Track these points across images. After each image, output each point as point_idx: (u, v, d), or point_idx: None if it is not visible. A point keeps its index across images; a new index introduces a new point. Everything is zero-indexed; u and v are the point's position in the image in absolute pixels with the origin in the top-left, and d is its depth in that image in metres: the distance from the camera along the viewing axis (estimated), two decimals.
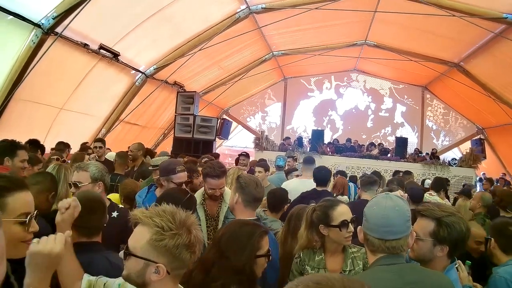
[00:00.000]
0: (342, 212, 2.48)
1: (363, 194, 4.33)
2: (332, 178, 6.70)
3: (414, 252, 1.98)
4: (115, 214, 2.92)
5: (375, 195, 4.03)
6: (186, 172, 3.52)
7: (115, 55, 8.33)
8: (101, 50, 7.92)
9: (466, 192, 6.88)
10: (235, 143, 18.89)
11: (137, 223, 1.43)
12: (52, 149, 7.03)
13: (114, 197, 4.16)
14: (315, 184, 4.70)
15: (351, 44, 13.41)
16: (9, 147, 3.55)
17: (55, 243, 1.48)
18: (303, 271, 2.53)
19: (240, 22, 9.71)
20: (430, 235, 1.91)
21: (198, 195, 3.51)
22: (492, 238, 2.79)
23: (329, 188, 5.14)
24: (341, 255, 2.52)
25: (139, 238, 1.39)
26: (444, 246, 1.89)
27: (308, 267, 2.51)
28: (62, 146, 6.88)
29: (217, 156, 9.61)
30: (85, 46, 7.51)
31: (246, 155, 7.92)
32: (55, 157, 5.65)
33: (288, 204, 4.10)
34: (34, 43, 6.37)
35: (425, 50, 12.53)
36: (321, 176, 4.68)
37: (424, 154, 13.12)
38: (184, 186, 3.45)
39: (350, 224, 2.43)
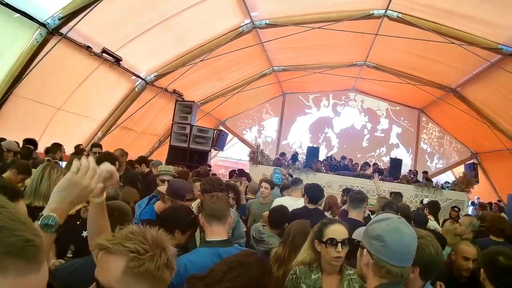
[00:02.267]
0: (334, 230, 2.48)
1: (351, 212, 4.11)
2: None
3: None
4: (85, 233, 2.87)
5: (364, 213, 4.09)
6: (192, 201, 3.57)
7: (117, 60, 8.40)
8: (104, 54, 7.98)
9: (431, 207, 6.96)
10: (229, 155, 18.91)
11: (103, 253, 1.26)
12: (46, 148, 7.04)
13: None
14: (307, 202, 4.69)
15: (351, 64, 13.57)
16: None
17: (91, 179, 1.43)
18: None
19: (243, 36, 9.83)
20: None
21: (194, 206, 3.56)
22: (481, 268, 2.69)
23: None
24: (338, 277, 2.49)
25: (113, 270, 1.22)
26: (414, 267, 1.85)
27: (303, 285, 2.48)
28: (55, 147, 6.86)
29: (209, 167, 9.69)
30: (88, 48, 7.58)
31: (241, 174, 7.96)
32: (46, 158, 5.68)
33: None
34: (38, 42, 6.44)
35: (423, 74, 12.73)
36: (313, 194, 4.68)
37: (421, 178, 13.16)
38: None
39: (339, 244, 2.41)
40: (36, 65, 6.61)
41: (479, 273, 2.71)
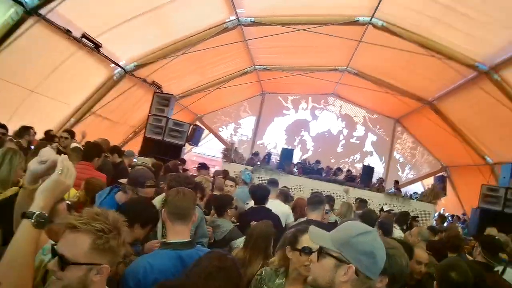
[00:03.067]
0: (306, 239, 2.39)
1: (311, 214, 4.22)
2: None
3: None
4: None
5: (322, 214, 4.14)
6: (154, 189, 3.45)
7: (97, 46, 8.14)
8: (83, 39, 7.72)
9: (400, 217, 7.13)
10: (204, 151, 18.74)
11: (69, 231, 1.43)
12: (14, 132, 6.75)
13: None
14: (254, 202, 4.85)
15: (333, 68, 13.65)
16: None
17: (71, 179, 1.59)
18: None
19: (227, 32, 9.75)
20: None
21: (157, 201, 3.46)
22: (435, 280, 2.67)
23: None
24: (302, 286, 2.42)
25: (79, 245, 1.40)
26: (383, 276, 1.81)
27: (265, 287, 2.44)
28: (23, 130, 6.58)
29: (183, 161, 9.55)
30: (68, 32, 7.30)
31: (202, 167, 8.03)
32: (7, 138, 5.44)
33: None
34: (13, 20, 6.16)
35: (402, 84, 12.93)
36: (258, 194, 4.82)
37: (392, 187, 13.34)
38: None
39: (314, 253, 2.30)
40: (10, 44, 6.34)
41: (431, 281, 2.72)
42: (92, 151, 4.95)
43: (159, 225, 3.20)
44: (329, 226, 3.50)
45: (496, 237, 2.63)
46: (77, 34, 7.54)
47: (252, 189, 5.06)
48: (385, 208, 8.50)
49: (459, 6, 7.53)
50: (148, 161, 5.33)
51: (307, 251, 2.34)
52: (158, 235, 3.25)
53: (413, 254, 3.55)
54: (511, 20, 7.26)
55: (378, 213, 7.94)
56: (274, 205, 5.08)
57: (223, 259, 1.88)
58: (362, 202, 8.39)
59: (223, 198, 4.47)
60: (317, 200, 4.33)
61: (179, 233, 2.42)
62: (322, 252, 1.59)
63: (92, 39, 7.88)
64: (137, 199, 3.08)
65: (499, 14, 7.27)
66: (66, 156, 1.62)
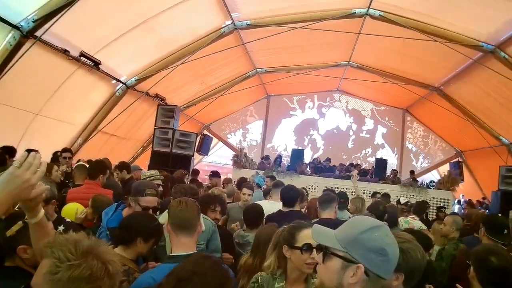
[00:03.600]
0: (310, 235, 2.26)
1: (322, 213, 4.12)
2: (308, 198, 6.63)
3: None
4: (61, 228, 2.68)
5: (335, 212, 4.01)
6: (156, 197, 3.35)
7: (96, 64, 8.14)
8: (82, 58, 7.72)
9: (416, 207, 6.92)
10: (215, 159, 18.72)
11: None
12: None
13: (71, 207, 3.96)
14: (282, 205, 4.59)
15: (335, 64, 13.52)
16: None
17: (33, 175, 1.45)
18: None
19: (224, 37, 9.68)
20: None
21: (163, 215, 3.36)
22: (471, 266, 2.59)
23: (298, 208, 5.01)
24: (303, 285, 2.34)
25: (38, 273, 1.24)
26: (399, 273, 1.68)
27: None
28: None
29: (197, 172, 9.49)
30: (65, 52, 7.31)
31: (214, 174, 7.95)
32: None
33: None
34: (11, 45, 6.16)
35: (406, 73, 12.75)
36: (288, 196, 4.56)
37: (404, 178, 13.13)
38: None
39: (315, 250, 2.20)
40: (10, 69, 6.35)
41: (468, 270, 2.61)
42: (96, 169, 4.93)
43: (168, 239, 3.08)
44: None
45: (493, 260, 2.53)
46: (75, 53, 7.53)
47: (281, 191, 4.85)
48: (402, 200, 8.32)
49: None
50: (156, 172, 5.25)
51: (305, 248, 2.25)
52: (167, 250, 3.11)
53: (431, 243, 3.45)
54: None
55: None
56: (278, 206, 4.91)
57: (199, 263, 1.74)
58: (384, 196, 8.06)
59: (252, 209, 4.24)
60: (327, 198, 4.21)
61: (184, 245, 2.33)
62: (327, 253, 1.45)
63: (90, 57, 7.88)
64: (137, 213, 3.01)
65: None
66: (38, 154, 1.52)
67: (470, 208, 10.58)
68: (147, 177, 4.98)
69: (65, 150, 7.00)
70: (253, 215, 4.10)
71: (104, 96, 9.55)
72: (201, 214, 3.03)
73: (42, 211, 1.64)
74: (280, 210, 4.52)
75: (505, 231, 3.86)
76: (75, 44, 7.47)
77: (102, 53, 8.14)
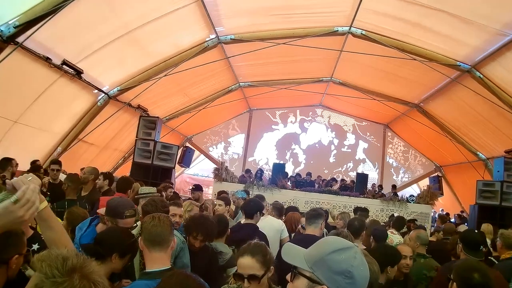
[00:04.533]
0: (241, 264, 2.40)
1: (308, 228, 4.12)
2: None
3: None
4: (35, 246, 2.54)
5: (320, 229, 4.02)
6: (134, 217, 3.30)
7: (78, 72, 8.06)
8: (64, 66, 7.64)
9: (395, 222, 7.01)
10: (197, 172, 18.64)
11: None
12: None
13: None
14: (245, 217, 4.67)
15: (318, 80, 13.67)
16: None
17: (28, 211, 1.47)
18: None
19: (208, 50, 9.74)
20: None
21: (137, 227, 3.35)
22: (454, 282, 2.60)
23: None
24: None
25: (29, 285, 1.24)
26: None
27: None
28: (5, 162, 6.40)
29: (171, 184, 9.41)
30: (47, 60, 7.23)
31: (197, 188, 7.83)
32: None
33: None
34: None
35: (387, 90, 13.00)
36: (248, 208, 4.63)
37: (387, 193, 13.28)
38: None
39: (246, 280, 2.30)
40: None
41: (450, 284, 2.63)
42: (125, 184, 5.31)
43: (137, 255, 3.09)
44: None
45: (476, 231, 2.60)
46: (57, 61, 7.45)
47: (243, 204, 4.92)
48: (396, 215, 8.45)
49: (435, 8, 7.59)
50: (154, 190, 5.17)
51: (239, 277, 2.34)
52: (135, 267, 3.13)
53: (400, 257, 3.54)
54: (487, 17, 7.32)
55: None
56: (266, 221, 4.97)
57: (184, 284, 1.81)
58: (362, 211, 8.00)
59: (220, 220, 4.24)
60: (314, 214, 4.20)
61: (157, 261, 2.34)
62: (295, 272, 1.45)
63: (73, 65, 7.79)
64: (113, 229, 2.97)
65: (475, 12, 7.33)
66: (36, 187, 1.54)
67: (441, 222, 10.72)
68: (145, 193, 4.90)
69: (53, 162, 6.85)
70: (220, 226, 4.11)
71: (86, 105, 9.46)
72: None
73: (43, 204, 1.67)
74: (238, 222, 4.65)
75: (481, 247, 3.97)
76: (58, 52, 7.39)
77: (85, 62, 8.07)
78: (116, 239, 2.65)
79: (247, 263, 2.35)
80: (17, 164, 6.71)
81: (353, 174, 16.92)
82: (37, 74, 7.45)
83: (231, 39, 9.62)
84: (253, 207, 4.62)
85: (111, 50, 8.18)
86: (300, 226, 5.25)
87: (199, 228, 3.54)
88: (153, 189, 5.18)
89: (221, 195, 6.66)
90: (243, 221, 4.74)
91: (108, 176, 6.57)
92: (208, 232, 3.61)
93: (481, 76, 9.04)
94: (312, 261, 1.41)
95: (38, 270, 1.22)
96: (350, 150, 18.21)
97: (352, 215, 6.98)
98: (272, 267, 2.40)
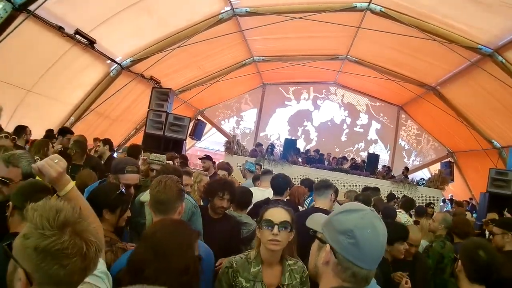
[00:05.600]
0: (271, 213, 2.33)
1: (317, 200, 4.03)
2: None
3: None
4: None
5: (330, 201, 3.95)
6: (137, 174, 3.32)
7: (91, 42, 8.02)
8: (77, 35, 7.58)
9: (419, 211, 6.96)
10: (208, 145, 18.67)
11: None
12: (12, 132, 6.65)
13: None
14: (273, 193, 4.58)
15: (333, 57, 13.44)
16: None
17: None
18: (235, 282, 2.31)
19: (223, 23, 9.58)
20: None
21: (145, 195, 3.36)
22: (459, 260, 2.55)
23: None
24: (279, 268, 2.36)
25: (17, 239, 1.16)
26: None
27: (242, 279, 2.30)
28: (19, 130, 6.43)
29: (185, 158, 9.43)
30: (60, 29, 7.18)
31: (207, 158, 7.81)
32: (3, 135, 5.33)
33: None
34: (2, 18, 6.00)
35: (404, 71, 12.71)
36: (277, 184, 4.56)
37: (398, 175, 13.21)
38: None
39: (276, 226, 2.24)
40: (0, 42, 6.22)
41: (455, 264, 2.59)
42: (135, 152, 5.44)
43: (149, 217, 3.09)
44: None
45: (482, 255, 2.49)
46: (69, 30, 7.41)
47: (271, 180, 4.81)
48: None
49: None
50: (163, 158, 5.17)
51: (265, 224, 2.29)
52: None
53: (407, 235, 3.49)
54: None
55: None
56: (269, 193, 4.94)
57: (163, 224, 1.92)
58: (374, 190, 7.89)
59: (241, 193, 4.12)
60: (323, 184, 4.10)
61: None
62: (313, 235, 1.46)
63: (85, 35, 7.75)
64: (101, 186, 3.00)
65: None
66: (62, 169, 1.75)
67: (457, 207, 10.66)
68: (154, 159, 4.91)
69: (65, 131, 6.93)
70: (244, 197, 4.07)
71: (99, 76, 9.45)
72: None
73: (70, 185, 1.77)
74: (268, 198, 4.53)
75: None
76: (70, 22, 7.34)
77: (98, 31, 8.01)
78: (102, 195, 2.66)
79: (279, 212, 2.34)
80: (30, 131, 6.76)
81: (364, 154, 16.83)
82: (50, 43, 7.42)
83: (246, 12, 9.44)
84: (282, 183, 4.59)
85: (124, 19, 8.08)
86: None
87: (225, 187, 3.51)
88: (162, 157, 5.20)
89: (223, 165, 6.69)
90: (271, 196, 4.68)
91: (107, 141, 6.62)
92: (234, 191, 3.58)
93: (503, 60, 8.72)
94: (324, 223, 1.43)
95: (29, 220, 1.14)
96: (362, 130, 18.05)
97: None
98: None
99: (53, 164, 1.71)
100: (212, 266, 2.54)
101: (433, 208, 8.58)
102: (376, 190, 8.04)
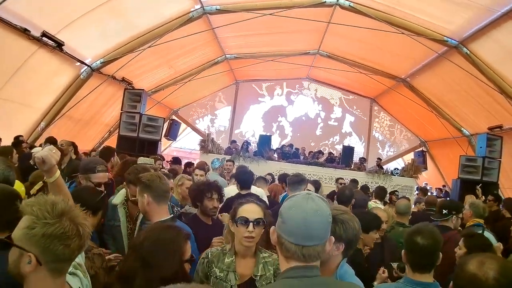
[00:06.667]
0: (248, 209, 2.39)
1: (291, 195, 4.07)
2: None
3: None
4: None
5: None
6: (107, 173, 3.37)
7: (59, 45, 7.81)
8: (43, 38, 7.36)
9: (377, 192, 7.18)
10: (184, 145, 18.55)
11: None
12: None
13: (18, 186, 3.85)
14: (239, 188, 4.60)
15: (304, 52, 13.53)
16: None
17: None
18: (210, 272, 2.39)
19: (193, 21, 9.51)
20: None
21: (120, 195, 3.38)
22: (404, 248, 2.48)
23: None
24: (253, 259, 2.41)
25: (18, 227, 1.39)
26: (340, 243, 1.90)
27: (216, 269, 2.37)
28: None
29: (162, 158, 9.36)
30: (26, 31, 6.96)
31: (175, 161, 8.07)
32: None
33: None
34: None
35: (375, 64, 12.95)
36: (244, 178, 4.60)
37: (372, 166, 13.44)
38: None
39: (251, 223, 2.31)
40: None
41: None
42: (107, 154, 5.44)
43: (123, 219, 3.27)
44: None
45: (419, 241, 2.41)
46: (36, 32, 7.20)
47: (236, 173, 4.86)
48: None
49: None
50: (152, 161, 5.09)
51: (240, 221, 2.34)
52: (122, 230, 3.25)
53: (380, 222, 3.57)
54: None
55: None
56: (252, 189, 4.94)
57: (152, 228, 2.04)
58: (352, 182, 8.29)
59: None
60: (296, 180, 4.17)
61: (164, 213, 2.66)
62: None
63: (52, 37, 7.54)
64: (80, 189, 2.99)
65: None
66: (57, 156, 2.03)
67: (423, 194, 10.95)
68: (145, 163, 4.85)
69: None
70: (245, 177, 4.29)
71: (68, 79, 9.21)
72: None
73: (57, 173, 2.04)
74: (238, 193, 4.54)
75: (443, 211, 4.17)
76: (36, 23, 7.12)
77: (65, 33, 7.82)
78: (85, 197, 2.62)
79: (253, 209, 2.41)
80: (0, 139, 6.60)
81: (339, 147, 17.00)
82: (15, 46, 7.20)
83: (216, 9, 9.41)
84: (249, 176, 4.65)
85: (93, 20, 7.94)
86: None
87: (210, 187, 3.53)
88: (151, 161, 5.15)
89: (199, 165, 6.72)
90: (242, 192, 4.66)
91: (72, 143, 6.49)
92: (220, 189, 3.60)
93: (468, 52, 9.03)
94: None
95: (28, 213, 1.36)
96: (336, 123, 18.26)
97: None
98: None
99: (53, 153, 2.00)
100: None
101: (397, 196, 8.82)
102: (354, 182, 8.37)
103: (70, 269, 1.64)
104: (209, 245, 2.93)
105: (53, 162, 1.99)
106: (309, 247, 1.44)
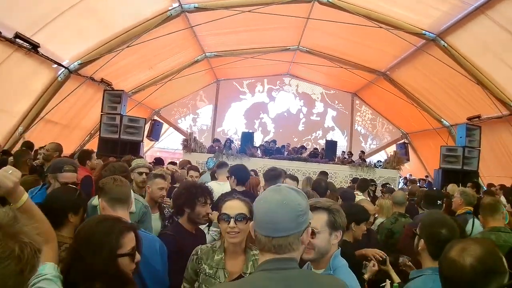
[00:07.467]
0: (230, 206, 2.37)
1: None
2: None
3: (315, 249, 1.96)
4: None
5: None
6: (75, 173, 3.33)
7: (34, 47, 7.60)
8: (17, 40, 7.14)
9: (391, 190, 7.23)
10: (167, 145, 18.40)
11: None
12: None
13: None
14: (235, 184, 4.54)
15: (284, 48, 13.54)
16: None
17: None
18: (199, 269, 2.38)
19: (172, 20, 9.42)
20: (327, 225, 2.00)
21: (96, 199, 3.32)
22: (421, 239, 2.44)
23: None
24: (242, 257, 2.40)
25: None
26: (338, 232, 1.99)
27: (205, 266, 2.36)
28: None
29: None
30: None
31: (157, 162, 7.83)
32: None
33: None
34: None
35: (355, 58, 13.05)
36: (239, 175, 4.54)
37: (356, 159, 13.55)
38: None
39: (232, 219, 2.28)
40: None
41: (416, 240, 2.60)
42: (83, 157, 5.43)
43: None
44: None
45: (443, 232, 2.44)
46: (9, 34, 6.99)
47: (231, 169, 4.78)
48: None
49: None
50: (146, 162, 4.97)
51: (223, 218, 2.33)
52: None
53: (368, 215, 3.60)
54: None
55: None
56: (227, 187, 4.89)
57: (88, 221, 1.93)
58: (321, 174, 8.42)
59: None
60: (273, 174, 4.13)
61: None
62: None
63: (27, 39, 7.33)
64: (57, 190, 2.94)
65: None
66: (16, 179, 1.65)
67: (412, 184, 11.13)
68: (138, 164, 4.75)
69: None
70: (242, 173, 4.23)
71: (45, 81, 8.98)
72: (133, 194, 3.07)
73: (24, 196, 1.70)
74: (234, 190, 4.44)
75: (438, 202, 4.21)
76: (9, 24, 6.90)
77: (41, 35, 7.61)
78: (63, 198, 2.62)
79: (236, 205, 2.38)
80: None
81: (322, 142, 17.08)
82: None
83: (194, 7, 9.33)
84: (246, 173, 4.60)
85: (68, 21, 7.75)
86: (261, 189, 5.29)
87: (203, 190, 3.14)
88: (144, 161, 5.06)
89: (193, 166, 6.67)
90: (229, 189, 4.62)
91: (58, 146, 6.37)
92: (211, 192, 3.24)
93: (446, 45, 9.19)
94: None
95: None
96: (319, 118, 18.36)
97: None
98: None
99: (8, 175, 1.64)
100: (160, 252, 2.56)
101: (387, 187, 8.98)
102: (324, 174, 8.52)
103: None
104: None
105: (10, 185, 1.64)
106: (278, 238, 1.42)
